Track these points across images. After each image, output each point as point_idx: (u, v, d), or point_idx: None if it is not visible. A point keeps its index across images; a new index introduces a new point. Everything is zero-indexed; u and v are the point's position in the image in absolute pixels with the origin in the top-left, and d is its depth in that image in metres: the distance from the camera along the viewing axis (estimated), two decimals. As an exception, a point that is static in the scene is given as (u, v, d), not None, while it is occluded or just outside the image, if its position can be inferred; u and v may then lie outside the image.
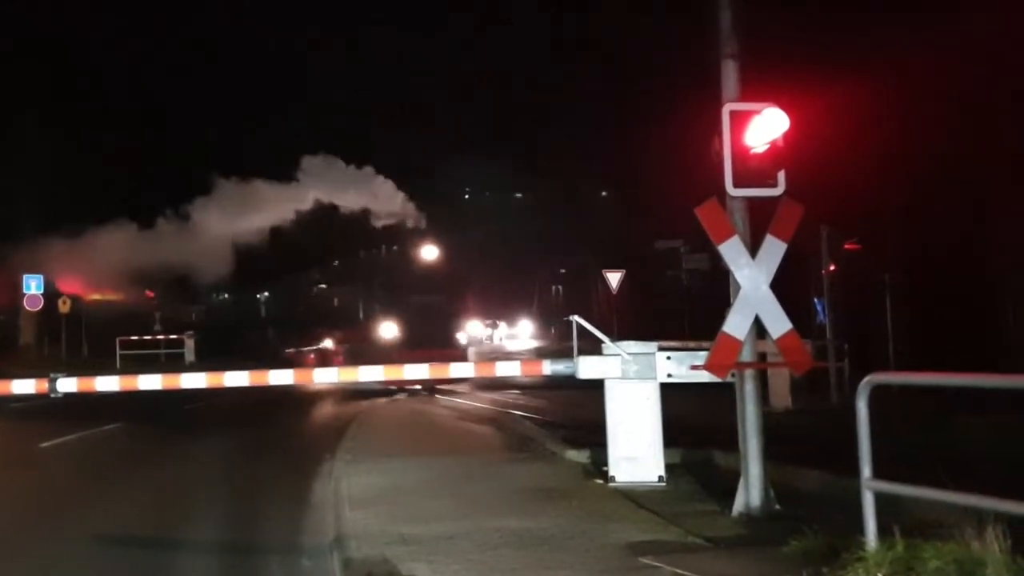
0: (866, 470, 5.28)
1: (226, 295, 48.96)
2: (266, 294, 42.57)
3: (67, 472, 11.79)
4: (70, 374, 9.39)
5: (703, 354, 7.89)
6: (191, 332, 38.06)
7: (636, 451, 8.76)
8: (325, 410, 19.01)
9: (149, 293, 43.03)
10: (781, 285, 7.56)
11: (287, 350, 33.09)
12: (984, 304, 18.93)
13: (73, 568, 7.01)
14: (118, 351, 34.34)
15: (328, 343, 28.86)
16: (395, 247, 28.08)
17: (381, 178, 31.29)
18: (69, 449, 13.59)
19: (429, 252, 25.90)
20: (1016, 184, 17.00)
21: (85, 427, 14.87)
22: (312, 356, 29.20)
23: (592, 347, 9.08)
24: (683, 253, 33.61)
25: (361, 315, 27.02)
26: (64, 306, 34.78)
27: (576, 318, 9.05)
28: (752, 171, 7.38)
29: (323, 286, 34.93)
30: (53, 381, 8.95)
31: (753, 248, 7.54)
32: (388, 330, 24.24)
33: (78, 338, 36.55)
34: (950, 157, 17.76)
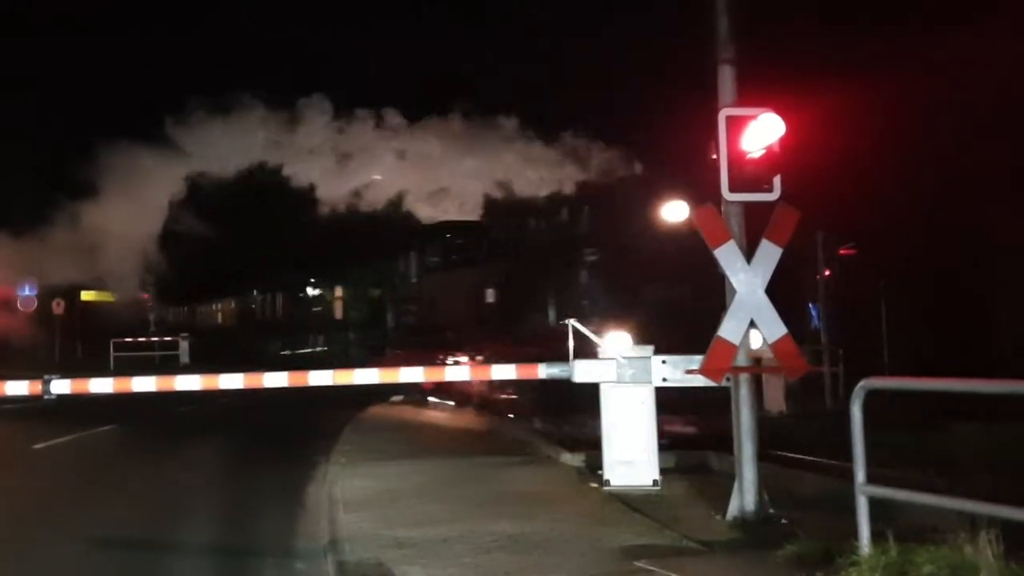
0: (860, 475, 5.30)
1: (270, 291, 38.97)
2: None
3: (60, 474, 11.76)
4: (64, 376, 9.36)
5: (698, 358, 7.89)
6: (185, 334, 37.95)
7: (631, 455, 8.77)
8: (319, 413, 18.99)
9: (143, 295, 42.88)
10: (776, 290, 7.57)
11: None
12: (980, 309, 18.99)
13: (65, 571, 6.98)
14: (112, 353, 34.27)
15: (462, 362, 16.98)
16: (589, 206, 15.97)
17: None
18: (62, 451, 13.55)
19: (675, 211, 13.17)
20: (1013, 189, 17.07)
21: (79, 429, 14.83)
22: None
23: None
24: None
25: (552, 316, 15.90)
26: (58, 308, 34.79)
27: (572, 321, 9.05)
28: (748, 176, 7.40)
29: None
30: (47, 383, 8.92)
31: (749, 252, 7.55)
32: (617, 343, 11.02)
33: (72, 339, 36.50)
34: (947, 162, 17.83)
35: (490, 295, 18.79)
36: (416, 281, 22.81)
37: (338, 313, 30.04)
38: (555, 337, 12.80)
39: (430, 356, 18.01)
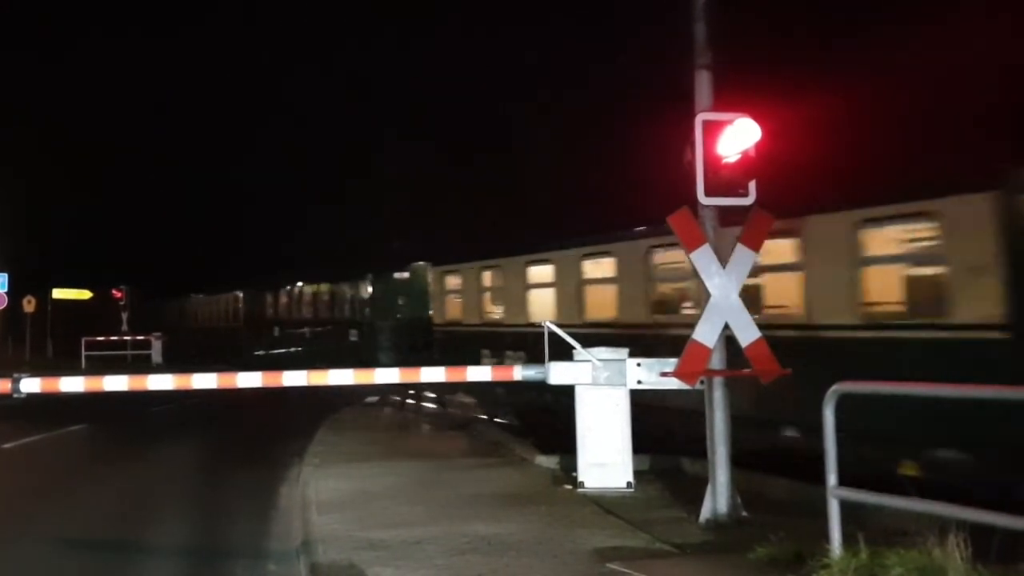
0: (832, 478, 5.34)
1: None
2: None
3: (30, 474, 11.62)
4: (34, 374, 9.25)
5: (673, 361, 7.92)
6: (159, 333, 37.56)
7: (605, 457, 8.79)
8: (294, 413, 18.90)
9: (117, 293, 42.44)
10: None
11: None
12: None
13: (33, 571, 6.90)
14: (83, 352, 33.89)
15: None
16: None
17: None
18: (32, 450, 13.40)
19: None
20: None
21: (49, 428, 14.67)
22: None
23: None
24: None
25: None
26: (29, 305, 34.38)
27: (548, 324, 9.05)
28: (724, 180, 7.43)
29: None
30: (16, 381, 8.81)
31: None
32: None
33: (43, 338, 36.09)
34: (931, 163, 17.91)
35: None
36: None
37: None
38: None
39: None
